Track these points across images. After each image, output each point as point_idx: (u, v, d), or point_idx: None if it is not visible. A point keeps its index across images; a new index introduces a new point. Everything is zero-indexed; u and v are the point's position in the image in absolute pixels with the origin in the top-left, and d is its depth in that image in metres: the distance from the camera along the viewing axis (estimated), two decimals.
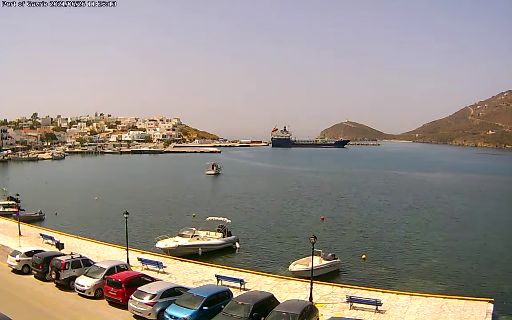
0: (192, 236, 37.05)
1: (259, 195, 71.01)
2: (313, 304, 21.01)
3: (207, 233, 38.58)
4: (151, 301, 20.34)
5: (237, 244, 38.71)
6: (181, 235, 37.17)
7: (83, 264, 25.50)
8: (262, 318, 18.55)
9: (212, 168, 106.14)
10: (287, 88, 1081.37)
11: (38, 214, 50.74)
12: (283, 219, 52.30)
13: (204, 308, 19.46)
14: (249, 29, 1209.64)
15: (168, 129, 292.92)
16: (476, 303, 22.04)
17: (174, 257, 32.38)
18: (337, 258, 32.23)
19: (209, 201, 64.96)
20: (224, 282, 25.18)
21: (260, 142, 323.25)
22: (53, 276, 24.80)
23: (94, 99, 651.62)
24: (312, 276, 23.88)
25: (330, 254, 32.01)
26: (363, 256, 35.58)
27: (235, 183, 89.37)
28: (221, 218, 40.11)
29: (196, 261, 31.23)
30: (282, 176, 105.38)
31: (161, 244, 35.37)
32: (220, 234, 38.52)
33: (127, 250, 29.72)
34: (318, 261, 30.50)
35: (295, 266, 29.95)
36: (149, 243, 37.99)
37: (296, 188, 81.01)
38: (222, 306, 19.73)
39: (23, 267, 27.39)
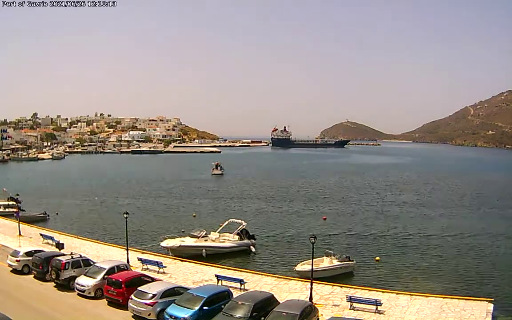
0: (201, 237, 36.13)
1: (262, 195, 71.00)
2: (313, 304, 21.02)
3: (219, 235, 37.44)
4: (151, 301, 20.32)
5: (252, 248, 37.06)
6: (192, 236, 36.36)
7: (83, 264, 25.47)
8: (262, 318, 18.56)
9: (217, 168, 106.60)
10: (287, 88, 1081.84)
11: (42, 215, 50.69)
12: (285, 219, 52.22)
13: (204, 308, 19.45)
14: (248, 28, 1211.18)
15: (168, 129, 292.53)
16: (476, 303, 22.06)
17: (174, 257, 32.29)
18: (352, 260, 31.78)
19: (212, 202, 64.75)
20: (224, 282, 25.14)
21: (260, 142, 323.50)
22: (53, 276, 24.79)
23: (94, 99, 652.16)
24: (312, 276, 23.89)
25: (344, 256, 31.75)
26: (377, 258, 35.26)
27: (239, 183, 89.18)
28: (238, 221, 39.01)
29: (196, 261, 31.05)
30: (282, 176, 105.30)
31: (165, 243, 34.97)
32: (237, 237, 37.11)
33: (127, 250, 29.73)
34: (329, 262, 30.41)
35: (302, 266, 29.65)
36: (151, 243, 37.97)
37: (297, 189, 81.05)
38: (222, 306, 19.72)
39: (23, 267, 27.36)
